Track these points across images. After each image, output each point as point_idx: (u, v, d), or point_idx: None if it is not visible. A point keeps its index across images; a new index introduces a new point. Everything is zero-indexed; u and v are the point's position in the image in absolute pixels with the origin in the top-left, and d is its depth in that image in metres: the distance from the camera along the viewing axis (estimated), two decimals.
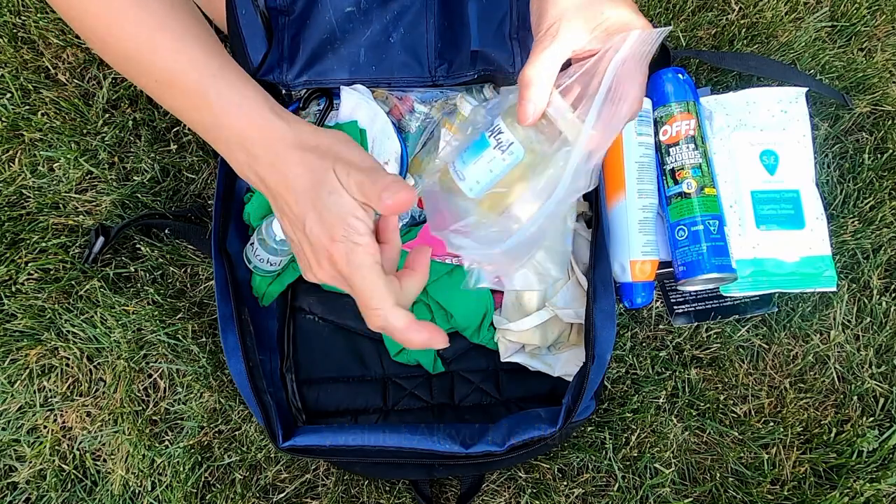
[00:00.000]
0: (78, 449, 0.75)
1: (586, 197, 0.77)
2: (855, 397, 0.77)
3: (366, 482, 0.75)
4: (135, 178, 0.80)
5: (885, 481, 0.73)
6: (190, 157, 0.80)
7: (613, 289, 0.66)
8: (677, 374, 0.77)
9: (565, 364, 0.74)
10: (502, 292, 0.75)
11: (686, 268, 0.74)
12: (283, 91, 0.75)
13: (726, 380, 0.77)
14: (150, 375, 0.76)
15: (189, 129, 0.80)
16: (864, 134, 0.85)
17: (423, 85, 0.71)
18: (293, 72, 0.71)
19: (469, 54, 0.69)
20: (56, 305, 0.76)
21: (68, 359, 0.76)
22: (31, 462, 0.74)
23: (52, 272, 0.77)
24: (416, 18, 0.69)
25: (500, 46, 0.69)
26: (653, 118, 0.77)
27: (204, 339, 0.77)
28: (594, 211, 0.69)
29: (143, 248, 0.78)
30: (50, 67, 0.82)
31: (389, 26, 0.69)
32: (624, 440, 0.75)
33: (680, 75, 0.77)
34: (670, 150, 0.76)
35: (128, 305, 0.77)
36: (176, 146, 0.80)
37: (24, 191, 0.79)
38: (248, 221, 0.74)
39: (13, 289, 0.77)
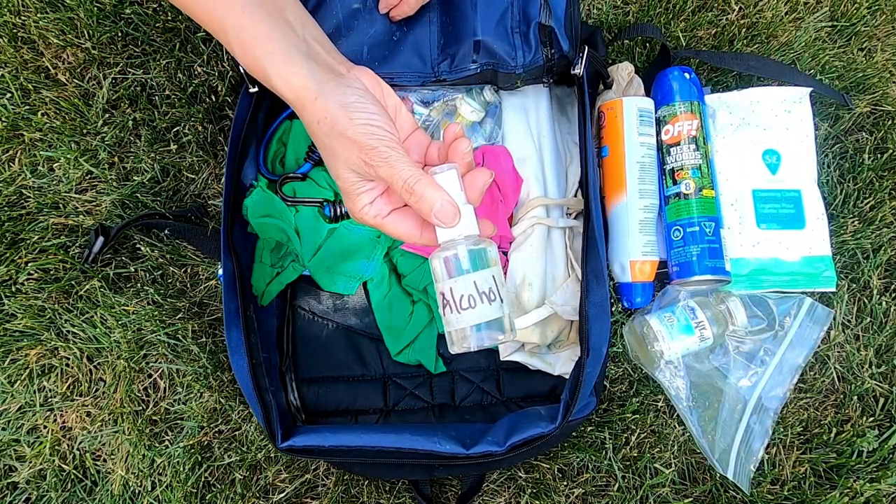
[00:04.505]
0: (78, 449, 0.75)
1: (582, 193, 0.77)
2: (855, 397, 0.77)
3: (366, 482, 0.75)
4: (135, 178, 0.79)
5: (885, 481, 0.73)
6: (190, 157, 0.80)
7: (606, 281, 0.65)
8: None
9: (566, 362, 0.74)
10: None
11: (679, 268, 0.74)
12: None
13: None
14: (150, 375, 0.76)
15: (189, 130, 0.80)
16: (864, 134, 0.85)
17: (426, 81, 0.71)
18: None
19: (472, 45, 0.69)
20: (56, 305, 0.76)
21: (68, 359, 0.76)
22: (31, 462, 0.74)
23: (52, 272, 0.77)
24: (418, 16, 0.69)
25: (502, 38, 0.69)
26: (655, 117, 0.77)
27: (204, 339, 0.77)
28: (585, 205, 0.69)
29: (143, 248, 0.78)
30: (50, 67, 0.81)
31: (393, 25, 0.70)
32: (624, 440, 0.75)
33: (686, 74, 0.77)
34: (671, 150, 0.76)
35: (128, 305, 0.77)
36: (176, 146, 0.80)
37: (24, 191, 0.79)
38: (245, 217, 0.74)
39: (13, 289, 0.77)
